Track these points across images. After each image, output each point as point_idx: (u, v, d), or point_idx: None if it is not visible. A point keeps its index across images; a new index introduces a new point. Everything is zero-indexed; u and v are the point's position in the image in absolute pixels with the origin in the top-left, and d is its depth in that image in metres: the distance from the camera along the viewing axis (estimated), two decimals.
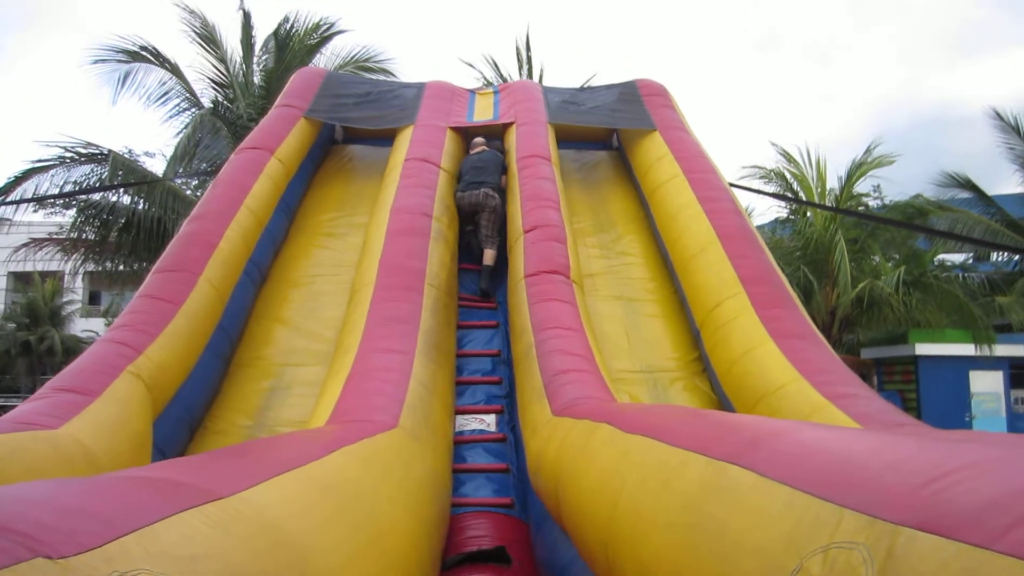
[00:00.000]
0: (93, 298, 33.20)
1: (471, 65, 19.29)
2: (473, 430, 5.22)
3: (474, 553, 3.83)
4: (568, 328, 5.08)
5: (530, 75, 16.84)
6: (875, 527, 1.13)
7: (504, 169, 7.19)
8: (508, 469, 4.87)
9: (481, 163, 7.03)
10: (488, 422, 5.30)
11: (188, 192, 13.63)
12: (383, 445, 3.19)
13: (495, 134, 7.93)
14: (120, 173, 12.29)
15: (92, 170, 12.33)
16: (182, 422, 4.79)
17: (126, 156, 13.43)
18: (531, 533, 4.14)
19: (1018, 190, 16.65)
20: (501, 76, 16.89)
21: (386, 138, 7.89)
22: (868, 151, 15.12)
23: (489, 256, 6.61)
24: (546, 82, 15.67)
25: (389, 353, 4.53)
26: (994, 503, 1.00)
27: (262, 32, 15.20)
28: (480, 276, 6.61)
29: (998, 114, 15.60)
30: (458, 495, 4.58)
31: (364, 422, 3.49)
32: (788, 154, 15.43)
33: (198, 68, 14.61)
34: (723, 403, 5.23)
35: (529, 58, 16.99)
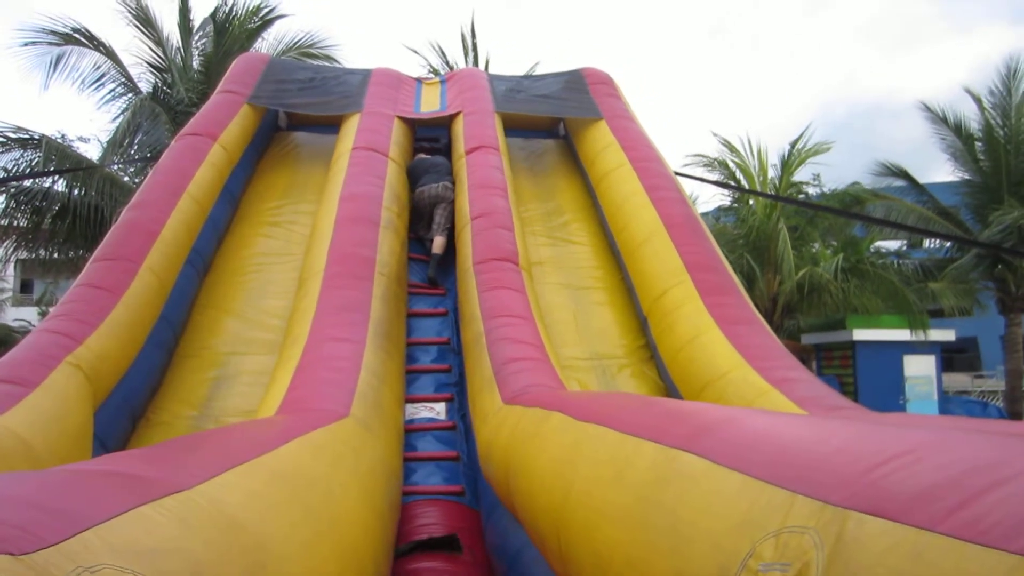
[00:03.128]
0: (25, 286, 32.04)
1: (416, 52, 19.14)
2: (423, 418, 5.22)
3: (425, 541, 3.85)
4: (517, 316, 5.11)
5: (476, 62, 16.78)
6: (825, 512, 1.18)
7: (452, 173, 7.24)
8: (458, 457, 4.89)
9: (436, 165, 7.12)
10: (438, 410, 5.31)
11: (126, 179, 13.22)
12: (335, 434, 3.18)
13: (443, 125, 7.91)
14: (54, 159, 11.85)
15: (22, 155, 11.87)
16: (124, 413, 4.67)
17: (60, 141, 12.95)
18: (482, 520, 4.17)
19: (949, 179, 17.30)
20: (447, 63, 16.79)
21: (331, 125, 7.78)
22: (801, 137, 15.52)
23: (439, 243, 6.60)
24: (492, 69, 15.64)
25: (339, 342, 4.49)
26: (936, 487, 1.05)
27: (200, 14, 14.81)
28: (428, 265, 6.60)
29: (927, 106, 16.15)
30: (409, 483, 4.58)
31: (315, 412, 3.46)
32: (730, 144, 15.73)
33: (135, 52, 14.15)
34: (670, 389, 5.33)
35: (475, 45, 16.94)
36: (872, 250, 16.09)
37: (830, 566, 1.09)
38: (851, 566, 1.05)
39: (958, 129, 15.95)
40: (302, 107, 7.86)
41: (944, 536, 0.96)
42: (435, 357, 5.85)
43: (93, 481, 1.47)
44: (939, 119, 16.04)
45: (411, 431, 5.05)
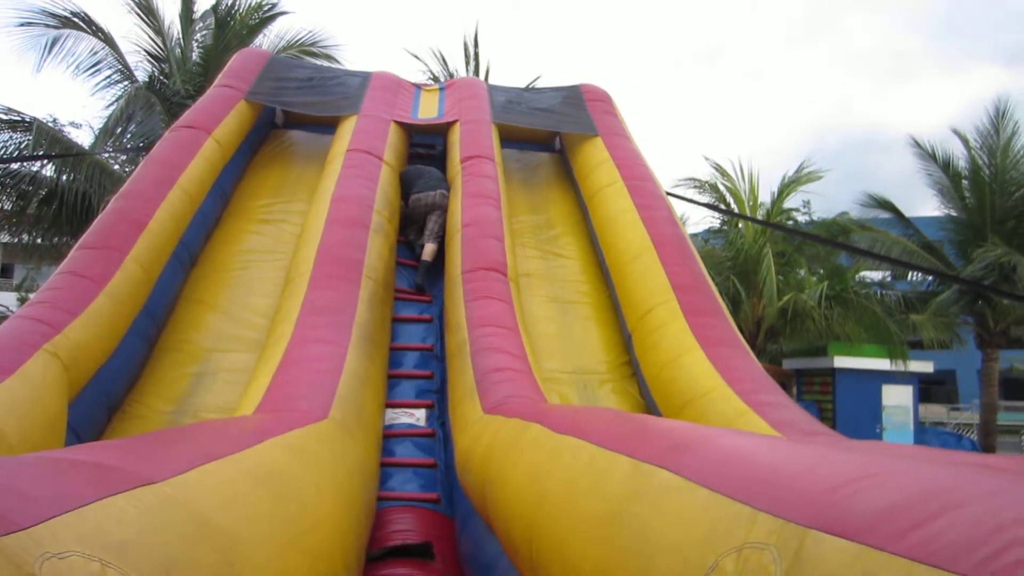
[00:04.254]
0: (5, 270, 31.73)
1: (417, 57, 19.14)
2: (403, 424, 5.22)
3: (399, 547, 3.84)
4: (503, 326, 5.13)
5: (476, 72, 16.85)
6: (786, 529, 1.21)
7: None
8: (436, 464, 4.89)
9: (430, 171, 7.12)
10: (418, 417, 5.30)
11: (117, 167, 13.14)
12: (313, 436, 3.17)
13: (439, 132, 7.94)
14: (44, 142, 11.77)
15: (11, 138, 11.78)
16: (100, 405, 4.63)
17: (51, 125, 12.87)
18: (456, 529, 4.16)
19: (935, 213, 17.51)
20: (448, 70, 16.85)
21: (328, 125, 7.79)
22: (800, 168, 15.69)
23: (429, 251, 6.61)
24: (492, 80, 15.71)
25: (322, 344, 4.49)
26: (893, 508, 1.08)
27: (203, 6, 14.78)
28: (417, 272, 6.60)
29: (917, 142, 16.37)
30: (385, 488, 4.57)
31: (294, 412, 3.45)
32: (722, 168, 15.90)
33: (133, 40, 14.09)
34: (650, 407, 5.36)
35: (476, 54, 17.02)
36: (856, 280, 16.26)
37: None
38: None
39: (946, 166, 16.17)
40: (299, 106, 7.85)
41: (896, 556, 1.00)
42: (418, 363, 5.85)
43: (66, 469, 1.47)
44: (928, 155, 16.26)
45: (390, 436, 5.04)
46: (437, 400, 5.44)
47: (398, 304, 6.28)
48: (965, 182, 16.12)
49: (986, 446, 15.49)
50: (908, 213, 16.99)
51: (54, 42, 12.83)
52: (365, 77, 8.53)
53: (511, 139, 8.21)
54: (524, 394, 4.18)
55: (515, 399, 4.05)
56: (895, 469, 1.22)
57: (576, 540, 1.88)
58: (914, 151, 16.40)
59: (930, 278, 16.96)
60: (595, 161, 7.34)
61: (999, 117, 15.38)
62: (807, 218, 17.17)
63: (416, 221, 6.88)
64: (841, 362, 14.88)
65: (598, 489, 1.89)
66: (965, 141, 15.96)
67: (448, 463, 4.69)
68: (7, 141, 11.75)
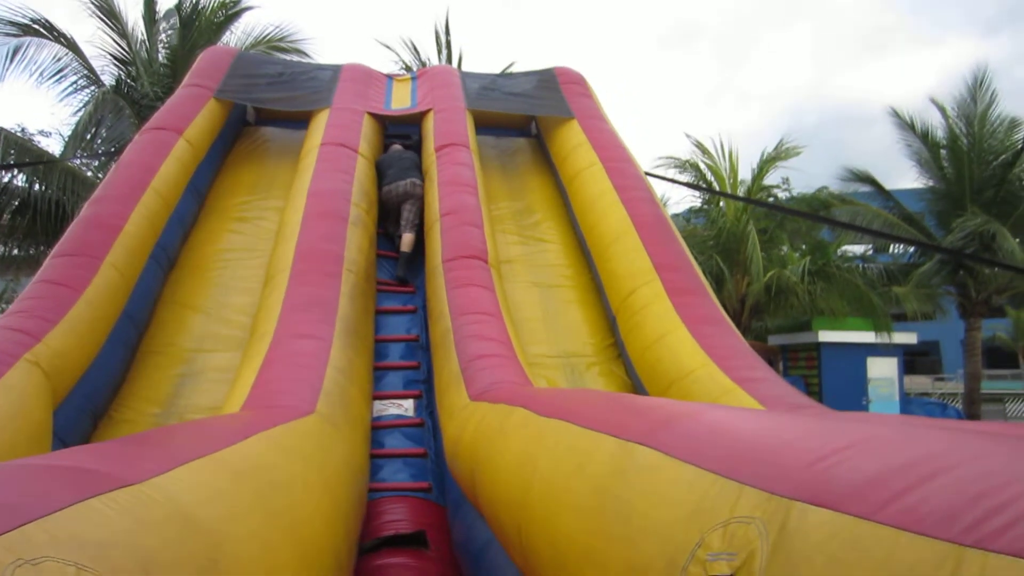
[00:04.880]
0: None
1: (389, 47, 19.00)
2: (391, 415, 5.21)
3: (392, 537, 3.83)
4: (486, 313, 5.12)
5: (449, 60, 16.74)
6: (771, 502, 1.20)
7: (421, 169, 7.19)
8: (426, 454, 4.88)
9: (403, 159, 7.08)
10: (406, 407, 5.30)
11: (89, 174, 12.97)
12: (299, 431, 3.15)
13: (414, 123, 7.88)
14: (13, 153, 11.59)
15: None
16: (84, 411, 4.59)
17: (19, 135, 12.66)
18: (448, 517, 4.16)
19: (914, 185, 17.62)
20: (420, 60, 16.73)
21: (300, 120, 7.72)
22: (779, 145, 15.71)
23: (407, 241, 6.57)
24: (465, 67, 15.62)
25: (305, 339, 4.46)
26: (876, 478, 1.08)
27: (165, 5, 14.56)
28: (398, 263, 6.57)
29: (896, 113, 16.43)
30: (376, 479, 4.57)
31: (280, 408, 3.43)
32: (702, 145, 15.88)
33: (97, 44, 13.86)
34: (637, 387, 5.37)
35: (448, 42, 16.89)
36: (839, 254, 16.34)
37: (773, 555, 1.11)
38: (792, 555, 1.07)
39: (925, 137, 16.25)
40: (270, 102, 7.78)
41: (881, 525, 0.99)
42: (404, 354, 5.84)
43: (39, 474, 1.44)
44: (907, 126, 16.33)
45: (379, 427, 5.04)
46: (425, 390, 5.43)
47: (381, 296, 6.25)
48: (944, 152, 16.22)
49: (971, 414, 15.69)
50: (888, 186, 17.09)
51: (16, 51, 12.57)
52: (336, 70, 8.45)
53: (487, 125, 8.18)
54: (510, 379, 4.18)
55: (500, 385, 4.04)
56: (878, 437, 1.21)
57: (563, 523, 1.88)
58: (893, 121, 16.48)
59: (912, 250, 17.08)
60: (572, 144, 7.32)
61: (976, 86, 15.45)
62: (787, 194, 17.22)
63: (391, 212, 6.85)
64: (826, 336, 14.98)
65: (583, 471, 1.89)
66: (943, 111, 16.05)
67: (438, 452, 4.69)
68: None
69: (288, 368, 4.06)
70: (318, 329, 4.62)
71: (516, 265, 6.60)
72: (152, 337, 5.52)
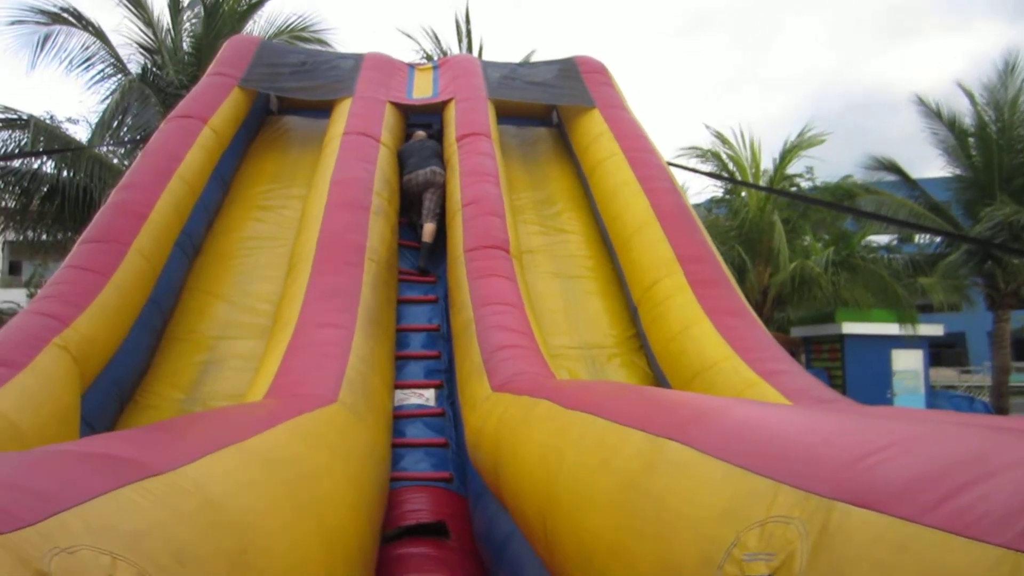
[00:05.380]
0: (13, 268, 31.91)
1: (410, 36, 18.91)
2: (412, 404, 5.22)
3: (413, 526, 3.85)
4: (507, 304, 5.11)
5: (470, 49, 16.69)
6: (810, 502, 1.17)
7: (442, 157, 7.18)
8: (447, 443, 4.89)
9: (424, 148, 7.06)
10: (427, 397, 5.31)
11: (115, 161, 13.10)
12: (323, 420, 3.17)
13: (435, 112, 7.87)
14: (42, 139, 11.73)
15: (11, 136, 11.75)
16: (111, 396, 4.66)
17: (48, 122, 12.82)
18: (469, 507, 4.17)
19: (941, 174, 17.35)
20: (441, 49, 16.69)
21: (323, 109, 7.72)
22: (802, 134, 15.51)
23: (429, 231, 6.57)
24: (485, 56, 15.56)
25: (328, 328, 4.48)
26: (923, 478, 1.04)
27: None
28: (419, 253, 6.57)
29: (921, 100, 16.16)
30: (397, 469, 4.58)
31: (303, 397, 3.45)
32: (722, 136, 15.71)
33: (124, 32, 13.98)
34: (659, 380, 5.34)
35: (469, 31, 16.83)
36: (863, 244, 16.14)
37: (815, 556, 1.09)
38: (836, 557, 1.05)
39: (951, 124, 15.97)
40: (293, 91, 7.79)
41: (930, 528, 0.96)
42: (425, 343, 5.84)
43: (73, 462, 1.45)
44: (933, 113, 16.06)
45: (400, 417, 5.05)
46: (446, 380, 5.43)
47: (402, 285, 6.26)
48: (971, 140, 15.93)
49: (999, 408, 15.46)
50: (913, 175, 16.83)
51: (46, 39, 12.74)
52: (358, 59, 8.45)
53: (508, 115, 8.14)
54: (532, 371, 4.17)
55: (523, 376, 4.04)
56: (922, 436, 1.18)
57: (590, 517, 1.86)
58: (919, 109, 16.21)
59: (938, 240, 16.83)
60: (593, 133, 7.27)
61: (1007, 72, 15.13)
62: (811, 183, 17.01)
63: (413, 201, 6.84)
64: (849, 328, 14.80)
65: (610, 465, 1.87)
66: (971, 97, 15.75)
67: (459, 442, 4.69)
68: (6, 140, 11.73)
69: (311, 357, 4.08)
70: (340, 318, 4.63)
71: (537, 255, 6.58)
72: (177, 323, 5.58)
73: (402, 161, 6.98)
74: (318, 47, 14.04)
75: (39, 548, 1.09)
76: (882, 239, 18.39)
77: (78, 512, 1.20)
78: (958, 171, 16.37)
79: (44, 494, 1.21)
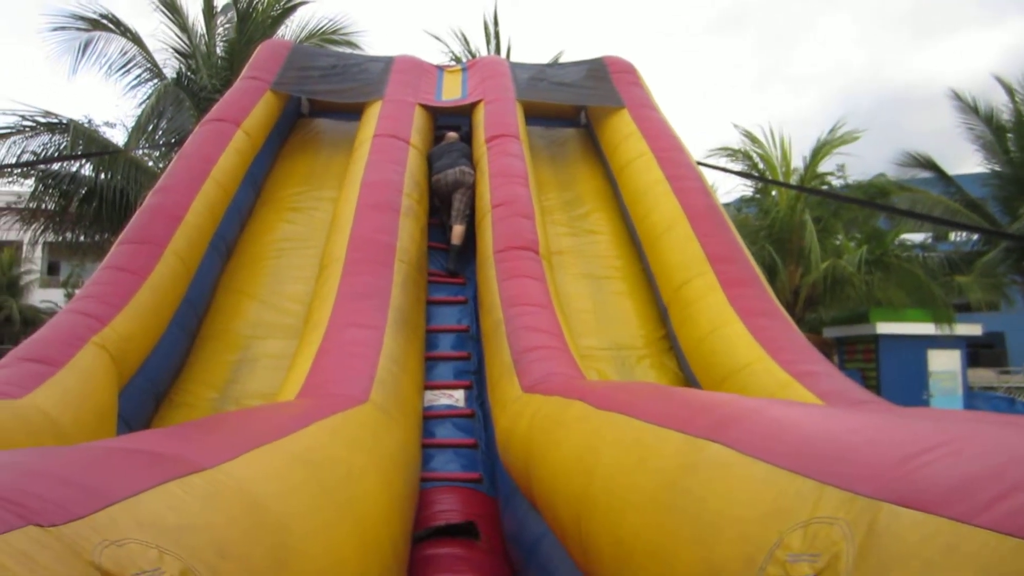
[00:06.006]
0: (52, 268, 32.63)
1: (438, 38, 19.01)
2: (442, 405, 5.24)
3: (443, 527, 3.86)
4: (537, 304, 5.10)
5: (498, 50, 16.70)
6: (855, 503, 1.16)
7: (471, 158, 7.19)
8: (477, 444, 4.90)
9: (454, 149, 7.09)
10: (457, 397, 5.32)
11: (151, 164, 13.33)
12: (355, 419, 3.19)
13: (464, 114, 7.89)
14: (81, 143, 11.97)
15: (51, 139, 12.00)
16: (147, 394, 4.75)
17: (86, 126, 13.07)
18: (499, 508, 4.17)
19: (978, 170, 17.01)
20: (469, 50, 16.73)
21: (353, 112, 7.79)
22: (833, 131, 15.29)
23: (458, 233, 6.59)
24: (514, 58, 15.56)
25: (359, 328, 4.51)
26: (974, 478, 1.02)
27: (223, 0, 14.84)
28: (448, 255, 6.59)
29: (957, 95, 15.84)
30: (427, 469, 4.60)
31: (335, 396, 3.48)
32: (752, 135, 15.54)
33: (160, 38, 14.22)
34: (690, 381, 5.30)
35: (497, 33, 16.83)
36: (897, 243, 15.86)
37: (861, 558, 1.07)
38: (883, 558, 1.03)
39: (988, 119, 15.64)
40: (324, 94, 7.87)
41: (982, 529, 0.94)
42: (455, 344, 5.86)
43: (120, 457, 1.49)
44: (969, 108, 15.73)
45: (430, 418, 5.07)
46: (475, 380, 5.45)
47: (432, 287, 6.29)
48: (1009, 135, 15.60)
49: None
50: (949, 171, 16.51)
51: (86, 45, 13.03)
52: (387, 62, 8.51)
53: (536, 116, 8.14)
54: (562, 371, 4.16)
55: (554, 377, 4.03)
56: (969, 435, 1.16)
57: (628, 518, 1.85)
58: (954, 104, 15.88)
59: (975, 237, 16.49)
60: (623, 134, 7.25)
61: None
62: (842, 182, 16.76)
63: (443, 202, 6.87)
64: (884, 328, 14.55)
65: (648, 465, 1.86)
66: (1009, 90, 15.40)
67: (489, 443, 4.70)
68: (47, 143, 11.99)
69: (342, 357, 4.12)
70: (372, 318, 4.67)
71: (566, 256, 6.57)
72: (210, 323, 5.67)
73: (431, 163, 7.01)
74: (348, 50, 14.15)
75: (90, 540, 1.11)
76: (916, 237, 18.06)
77: (126, 506, 1.23)
78: (996, 167, 16.02)
79: (93, 488, 1.24)
